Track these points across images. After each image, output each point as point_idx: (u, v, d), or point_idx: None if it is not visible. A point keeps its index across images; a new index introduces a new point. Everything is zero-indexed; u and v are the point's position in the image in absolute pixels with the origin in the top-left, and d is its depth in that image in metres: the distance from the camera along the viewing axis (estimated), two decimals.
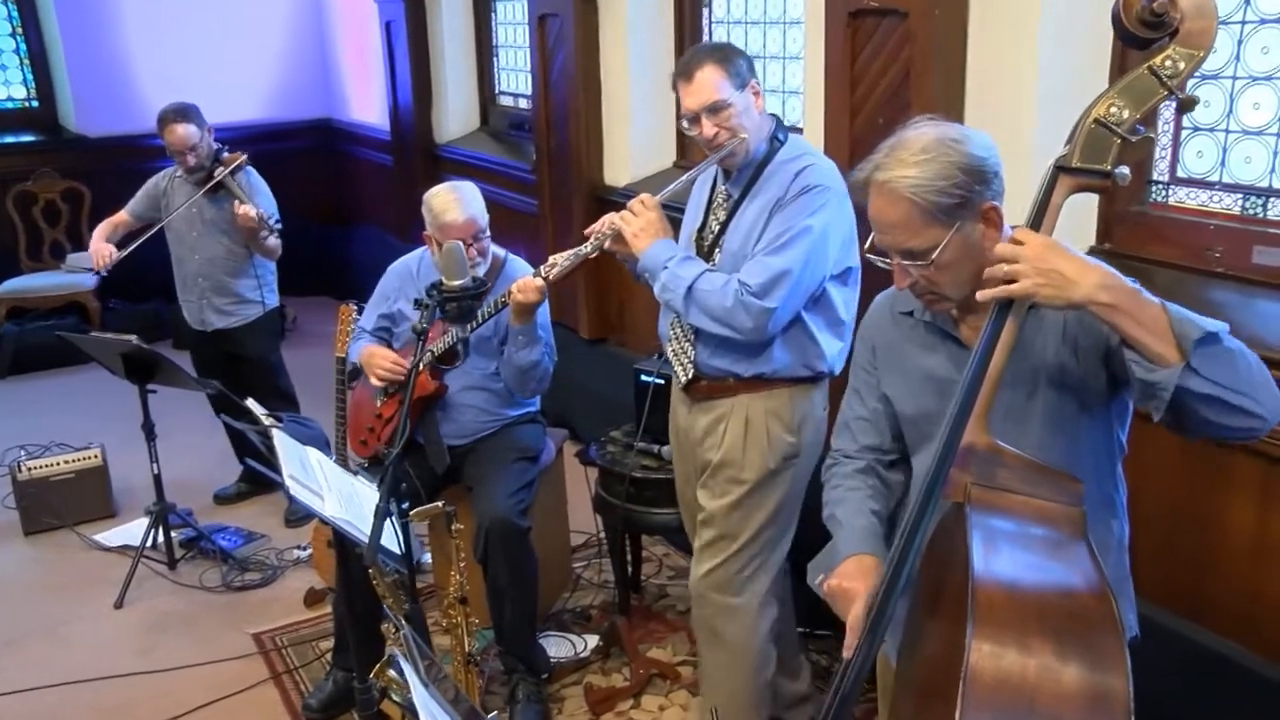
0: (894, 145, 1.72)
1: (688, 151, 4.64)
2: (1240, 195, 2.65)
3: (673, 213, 2.76)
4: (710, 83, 2.53)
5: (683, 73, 2.57)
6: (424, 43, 6.38)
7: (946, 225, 1.68)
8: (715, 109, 2.53)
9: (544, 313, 3.22)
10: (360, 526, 2.22)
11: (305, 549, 4.27)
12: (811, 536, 3.34)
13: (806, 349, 2.65)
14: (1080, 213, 2.92)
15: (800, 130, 3.80)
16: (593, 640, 3.63)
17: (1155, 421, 1.55)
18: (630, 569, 3.88)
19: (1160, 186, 2.84)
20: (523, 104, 6.05)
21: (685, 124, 2.63)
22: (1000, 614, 1.38)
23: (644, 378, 3.56)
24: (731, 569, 2.77)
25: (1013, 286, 1.53)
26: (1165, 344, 1.49)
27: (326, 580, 3.94)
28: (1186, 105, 1.56)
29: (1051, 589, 1.44)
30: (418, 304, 2.21)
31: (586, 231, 2.78)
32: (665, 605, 3.92)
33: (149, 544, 4.25)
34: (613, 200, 4.71)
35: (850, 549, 1.89)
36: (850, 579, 1.82)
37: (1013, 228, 1.63)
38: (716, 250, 2.67)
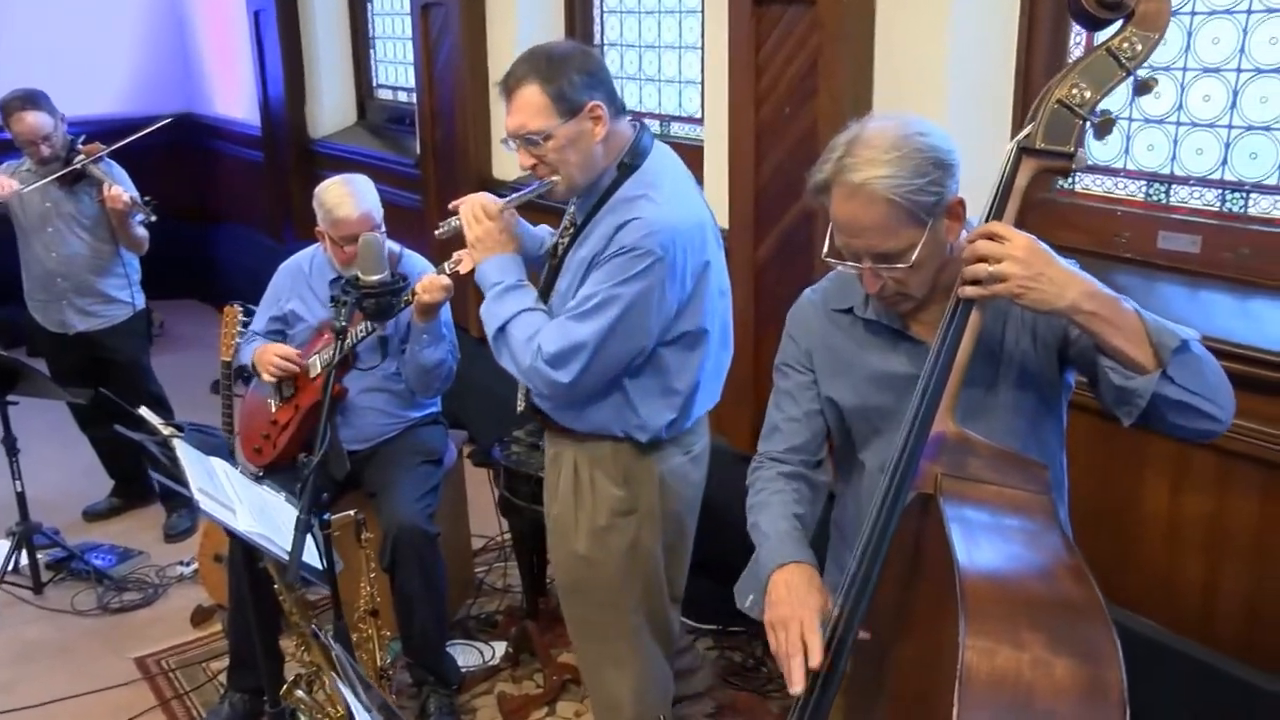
0: (855, 143, 1.63)
1: None
2: (1144, 182, 2.71)
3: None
4: (527, 108, 2.14)
5: (504, 85, 2.20)
6: (296, 33, 6.12)
7: (921, 225, 1.62)
8: (530, 141, 2.16)
9: (446, 309, 3.09)
10: (277, 540, 2.06)
11: (189, 564, 4.01)
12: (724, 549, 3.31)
13: (624, 415, 2.33)
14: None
15: (700, 121, 3.76)
16: (501, 647, 3.52)
17: (1125, 425, 1.54)
18: (535, 572, 3.77)
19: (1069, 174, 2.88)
20: (403, 97, 5.86)
21: (506, 142, 2.26)
22: (990, 609, 1.34)
23: None
24: (595, 634, 2.56)
25: (999, 287, 1.48)
26: (1142, 352, 1.49)
27: (215, 597, 3.72)
28: (1145, 87, 1.55)
29: (1036, 580, 1.41)
30: (335, 301, 2.07)
31: (452, 206, 2.43)
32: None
33: (10, 568, 3.95)
34: (502, 194, 4.57)
35: (775, 560, 1.76)
36: (785, 604, 1.68)
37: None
38: (556, 281, 2.35)
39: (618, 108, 2.24)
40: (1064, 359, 1.70)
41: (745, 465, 2.01)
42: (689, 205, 2.26)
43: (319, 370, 3.14)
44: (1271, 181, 2.48)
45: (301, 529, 1.94)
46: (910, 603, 1.55)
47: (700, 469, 2.50)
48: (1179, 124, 2.68)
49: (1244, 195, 2.51)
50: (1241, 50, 2.52)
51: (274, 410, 3.23)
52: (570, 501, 2.44)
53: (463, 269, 2.81)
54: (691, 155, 3.52)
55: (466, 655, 3.45)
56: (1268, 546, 2.35)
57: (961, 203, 1.67)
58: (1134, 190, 2.73)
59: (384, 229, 3.14)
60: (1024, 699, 1.30)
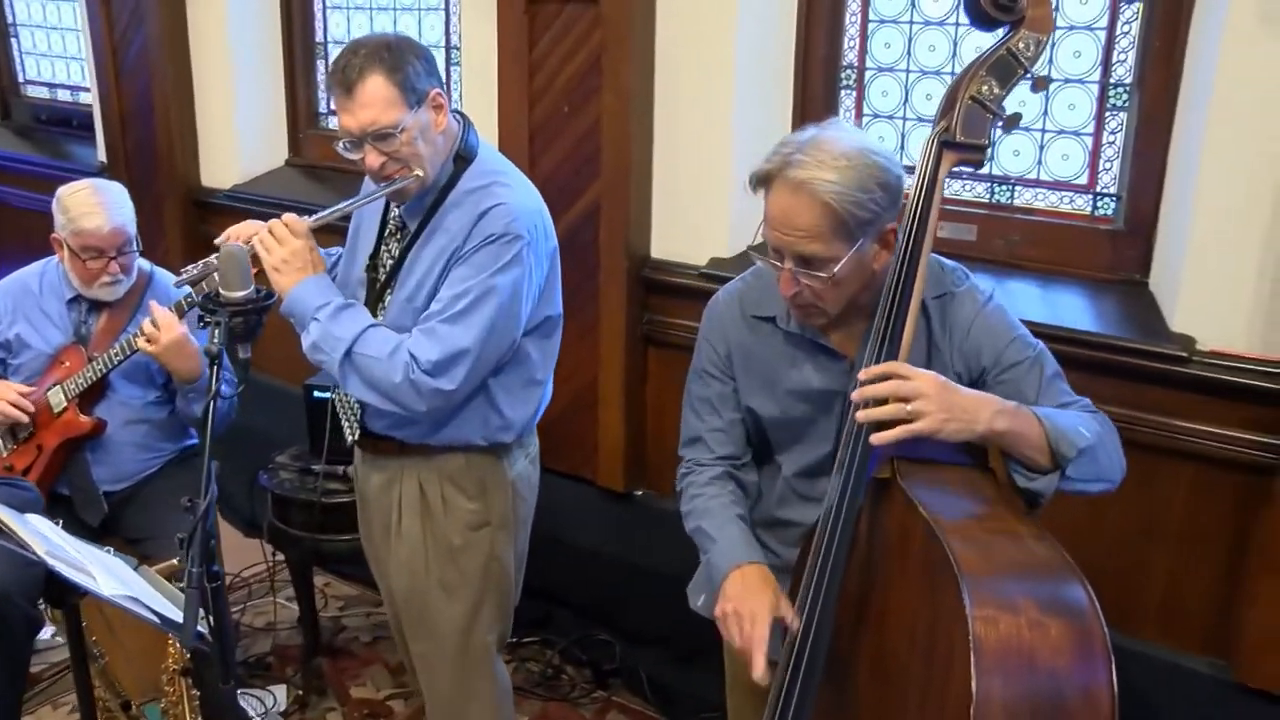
0: (810, 144, 1.64)
1: (302, 147, 4.27)
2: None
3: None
4: (377, 101, 1.99)
5: (340, 81, 2.01)
6: None
7: (852, 240, 1.64)
8: (382, 136, 2.02)
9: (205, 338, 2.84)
10: (150, 604, 1.78)
11: None
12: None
13: (488, 420, 2.22)
14: None
15: None
16: (282, 692, 3.24)
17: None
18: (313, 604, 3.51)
19: None
20: (64, 95, 5.23)
21: (343, 146, 2.08)
22: (983, 578, 1.40)
23: (318, 394, 3.23)
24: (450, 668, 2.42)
25: (917, 425, 1.51)
26: (1043, 456, 1.59)
27: None
28: (1040, 84, 1.68)
29: (1009, 546, 1.48)
30: (203, 321, 1.80)
31: (218, 240, 2.13)
32: (348, 639, 3.60)
33: None
34: (217, 204, 4.23)
35: (730, 561, 1.78)
36: (741, 599, 1.71)
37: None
38: (389, 291, 2.19)
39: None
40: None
41: None
42: (533, 190, 2.20)
43: (65, 403, 2.75)
44: (1032, 176, 2.76)
45: (196, 585, 1.69)
46: (873, 588, 1.59)
47: (538, 471, 2.43)
48: (904, 119, 2.93)
49: (1010, 188, 2.78)
50: (954, 54, 2.80)
51: (4, 455, 2.79)
52: (417, 528, 2.28)
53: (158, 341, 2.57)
54: None
55: (246, 706, 3.15)
56: (1150, 528, 2.55)
57: (895, 232, 1.69)
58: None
59: (139, 246, 2.82)
60: (1028, 660, 1.37)
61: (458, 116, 2.18)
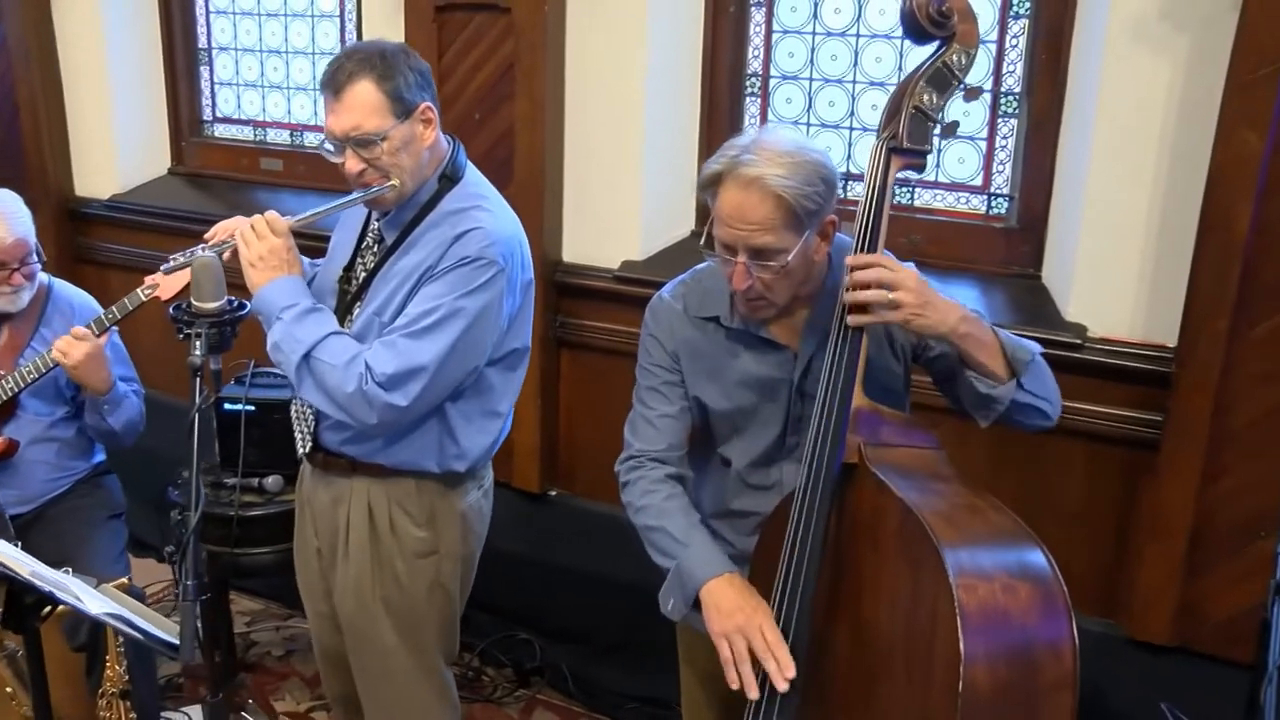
0: (754, 145, 1.75)
1: (186, 155, 4.16)
2: None
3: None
4: (362, 106, 2.00)
5: (330, 83, 2.03)
6: None
7: (800, 231, 1.75)
8: (364, 143, 2.02)
9: (117, 349, 2.80)
10: (137, 622, 1.76)
11: None
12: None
13: (443, 446, 2.20)
14: None
15: None
16: (197, 712, 3.17)
17: (982, 427, 1.81)
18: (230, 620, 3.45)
19: None
20: None
21: (328, 147, 2.08)
22: (959, 549, 1.53)
23: (229, 406, 3.18)
24: (395, 686, 2.38)
25: (892, 315, 1.66)
26: (1000, 365, 1.74)
27: None
28: (973, 94, 1.83)
29: (971, 518, 1.62)
30: (183, 335, 1.77)
31: (206, 235, 2.22)
32: (259, 653, 3.54)
33: None
34: (95, 215, 4.08)
35: (709, 571, 1.82)
36: (743, 612, 1.75)
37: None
38: (359, 303, 2.18)
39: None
40: (917, 359, 1.93)
41: None
42: (515, 219, 2.20)
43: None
44: (931, 178, 2.94)
45: (194, 599, 1.67)
46: (847, 567, 1.70)
47: (490, 503, 2.42)
48: (809, 125, 3.10)
49: (911, 189, 2.96)
50: (855, 63, 2.99)
51: None
52: (365, 550, 2.26)
53: (163, 295, 2.54)
54: None
55: None
56: (1047, 503, 2.72)
57: (834, 223, 1.83)
58: None
59: (42, 258, 2.74)
60: (1004, 621, 1.51)
61: (449, 138, 2.19)
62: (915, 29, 1.79)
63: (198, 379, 1.76)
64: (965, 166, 2.88)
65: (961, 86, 1.80)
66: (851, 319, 1.70)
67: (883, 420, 1.73)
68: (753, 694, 1.70)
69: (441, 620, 2.36)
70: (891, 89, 2.86)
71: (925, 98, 1.77)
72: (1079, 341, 2.59)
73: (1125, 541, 2.68)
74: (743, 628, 1.72)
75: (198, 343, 1.74)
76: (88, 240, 4.14)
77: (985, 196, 2.88)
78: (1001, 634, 1.50)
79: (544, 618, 3.45)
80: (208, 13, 4.00)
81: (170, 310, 1.80)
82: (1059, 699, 1.51)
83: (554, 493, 3.46)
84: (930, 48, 1.81)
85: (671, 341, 1.99)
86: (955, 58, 1.78)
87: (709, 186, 1.78)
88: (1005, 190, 2.85)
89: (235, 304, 1.80)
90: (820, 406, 1.73)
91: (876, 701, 1.62)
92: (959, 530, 1.56)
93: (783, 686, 1.67)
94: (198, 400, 1.75)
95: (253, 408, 3.09)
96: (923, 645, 1.53)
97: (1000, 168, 2.84)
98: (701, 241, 1.83)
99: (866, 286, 1.68)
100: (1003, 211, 2.86)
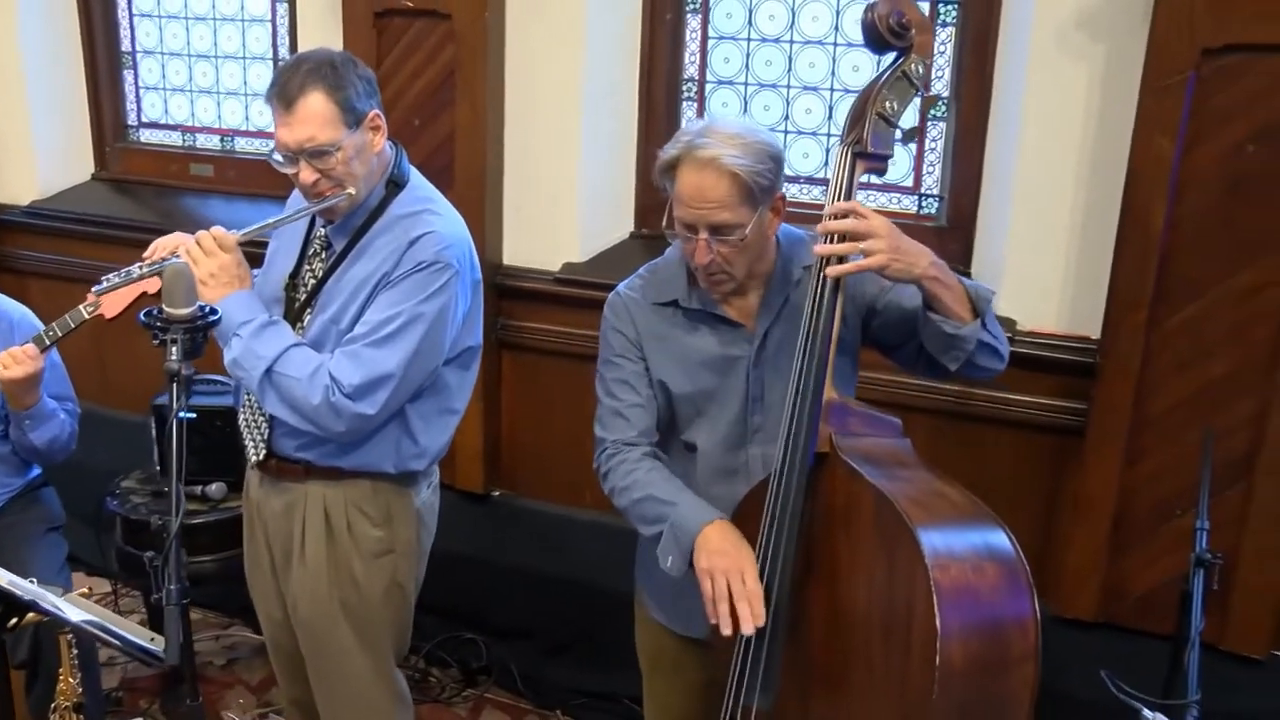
0: (707, 129, 1.85)
1: (110, 161, 4.08)
2: None
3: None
4: (315, 118, 2.02)
5: (280, 95, 2.04)
6: None
7: (755, 206, 1.85)
8: (318, 153, 2.04)
9: (56, 367, 2.77)
10: (114, 628, 1.75)
11: None
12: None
13: (401, 447, 2.24)
14: None
15: None
16: None
17: (951, 371, 1.90)
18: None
19: None
20: None
21: (278, 158, 2.10)
22: (931, 531, 1.62)
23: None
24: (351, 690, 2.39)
25: (868, 261, 1.76)
26: (964, 308, 1.85)
27: None
28: (931, 102, 1.94)
29: (937, 501, 1.72)
30: (158, 341, 1.75)
31: (145, 253, 2.19)
32: (202, 664, 3.49)
33: None
34: (14, 222, 3.98)
35: (701, 518, 1.88)
36: (727, 554, 1.82)
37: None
38: (309, 311, 2.20)
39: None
40: (865, 330, 2.03)
41: None
42: (461, 220, 2.24)
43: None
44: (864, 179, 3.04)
45: (176, 603, 1.67)
46: (820, 552, 1.79)
47: (438, 499, 2.46)
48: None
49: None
50: (789, 69, 3.09)
51: None
52: (321, 553, 2.27)
53: (107, 313, 2.51)
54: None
55: None
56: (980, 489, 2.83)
57: (784, 199, 1.94)
58: None
59: None
60: (974, 598, 1.62)
61: (391, 143, 2.21)
62: (876, 39, 1.89)
63: (175, 385, 1.76)
64: (897, 168, 3.00)
65: (920, 94, 1.91)
66: (830, 270, 1.79)
67: (851, 411, 1.83)
68: (726, 630, 1.77)
69: (397, 619, 2.39)
70: (824, 93, 3.03)
71: (887, 105, 1.87)
72: (1009, 335, 2.72)
73: (1053, 524, 2.83)
74: (726, 569, 1.79)
75: (174, 348, 1.74)
76: (6, 248, 4.04)
77: (916, 197, 3.01)
78: (973, 610, 1.60)
79: (490, 617, 3.49)
80: (130, 15, 3.92)
81: (141, 317, 1.80)
82: (1023, 670, 1.62)
83: (497, 493, 3.50)
84: (890, 57, 1.91)
85: (633, 329, 2.06)
86: (914, 67, 1.89)
87: (667, 172, 1.88)
88: (935, 191, 2.98)
89: (207, 309, 1.80)
90: (794, 394, 1.82)
91: (855, 678, 1.71)
92: (930, 513, 1.66)
93: (748, 630, 1.76)
94: (174, 406, 1.75)
95: (194, 415, 3.06)
96: (900, 623, 1.62)
97: (930, 169, 2.97)
98: (664, 224, 1.92)
99: (842, 238, 1.78)
100: (933, 211, 3.00)
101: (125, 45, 3.96)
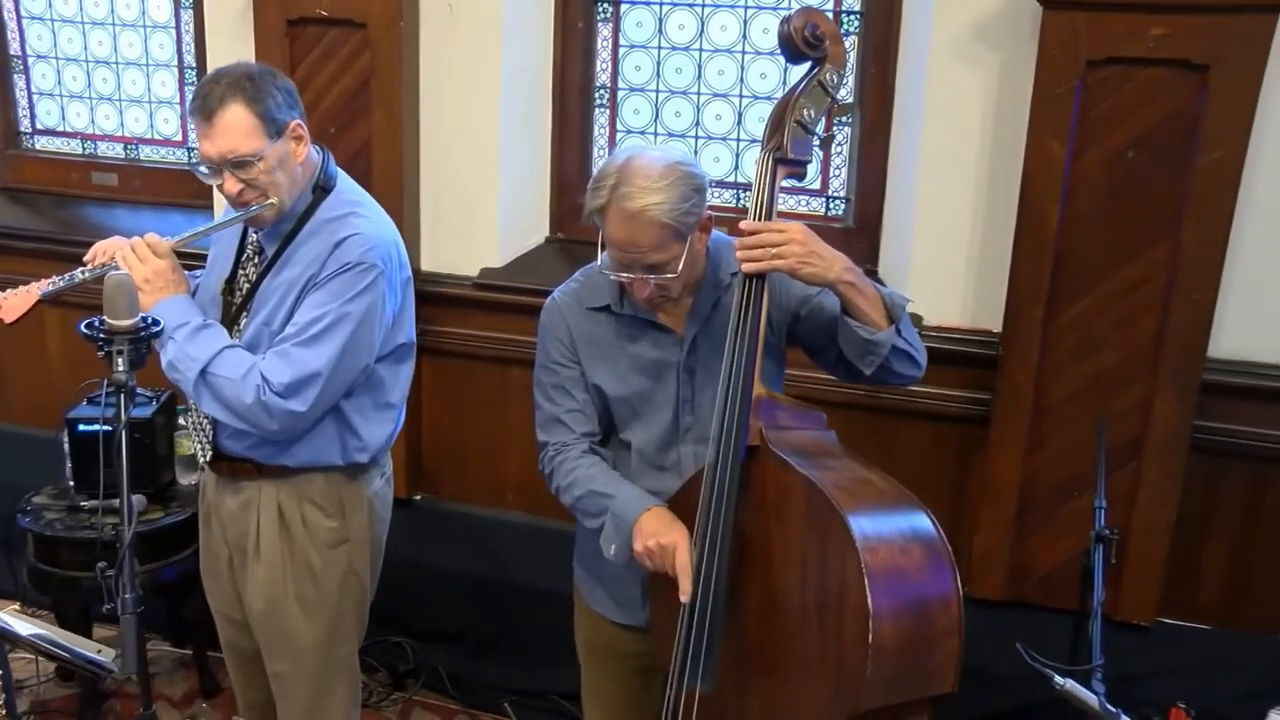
0: (627, 173, 1.89)
1: (2, 169, 3.97)
2: None
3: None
4: (236, 130, 2.06)
5: (201, 108, 2.07)
6: None
7: (684, 239, 1.92)
8: (240, 164, 2.08)
9: None
10: (65, 643, 1.74)
11: None
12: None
13: (344, 441, 2.29)
14: None
15: (183, 143, 3.59)
16: None
17: (867, 376, 1.99)
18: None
19: None
20: None
21: (203, 170, 2.14)
22: (860, 517, 1.72)
23: (84, 428, 3.12)
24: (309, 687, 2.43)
25: (779, 262, 1.85)
26: (879, 314, 1.94)
27: None
28: (843, 110, 2.04)
29: (864, 488, 1.82)
30: (104, 352, 1.75)
31: (86, 257, 2.19)
32: (119, 679, 3.44)
33: None
34: None
35: (639, 506, 1.98)
36: (662, 534, 1.92)
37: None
38: (244, 314, 2.25)
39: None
40: (791, 334, 2.12)
41: None
42: (389, 221, 2.30)
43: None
44: (731, 179, 3.19)
45: (135, 615, 1.66)
46: (754, 540, 1.88)
47: (391, 490, 2.51)
48: (656, 134, 3.29)
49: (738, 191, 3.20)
50: (699, 76, 3.20)
51: None
52: (277, 549, 2.31)
53: (6, 317, 2.48)
54: (188, 180, 3.35)
55: None
56: None
57: (711, 218, 2.01)
58: None
59: None
60: (902, 578, 1.72)
61: (318, 148, 2.26)
62: (792, 50, 1.97)
63: (120, 395, 1.77)
64: None
65: (834, 102, 2.00)
66: (744, 267, 1.88)
67: (779, 406, 1.92)
68: (684, 595, 1.87)
69: (354, 609, 2.44)
70: (733, 100, 3.13)
71: (805, 112, 1.95)
72: (916, 331, 2.85)
73: (962, 510, 2.98)
74: (655, 551, 1.91)
75: (120, 359, 1.75)
76: None
77: (824, 199, 3.13)
78: (901, 590, 1.70)
79: (416, 620, 3.50)
80: (19, 18, 3.81)
81: (82, 327, 1.80)
82: (948, 643, 1.73)
83: (419, 497, 3.52)
84: (805, 67, 2.00)
85: (568, 334, 2.12)
86: (829, 76, 1.97)
87: (596, 214, 1.94)
88: (842, 193, 3.11)
89: (149, 320, 1.81)
90: (724, 390, 1.90)
91: (792, 659, 1.80)
92: (858, 500, 1.76)
93: (684, 599, 1.88)
94: (122, 416, 1.76)
95: (110, 428, 3.02)
96: (833, 605, 1.72)
97: (837, 172, 3.09)
98: (599, 263, 1.97)
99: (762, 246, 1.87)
100: (840, 213, 3.12)
101: (14, 49, 3.85)
